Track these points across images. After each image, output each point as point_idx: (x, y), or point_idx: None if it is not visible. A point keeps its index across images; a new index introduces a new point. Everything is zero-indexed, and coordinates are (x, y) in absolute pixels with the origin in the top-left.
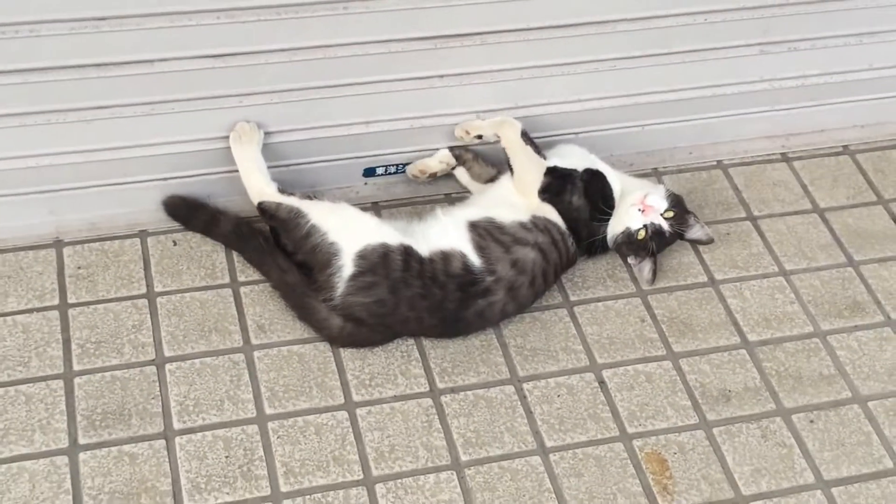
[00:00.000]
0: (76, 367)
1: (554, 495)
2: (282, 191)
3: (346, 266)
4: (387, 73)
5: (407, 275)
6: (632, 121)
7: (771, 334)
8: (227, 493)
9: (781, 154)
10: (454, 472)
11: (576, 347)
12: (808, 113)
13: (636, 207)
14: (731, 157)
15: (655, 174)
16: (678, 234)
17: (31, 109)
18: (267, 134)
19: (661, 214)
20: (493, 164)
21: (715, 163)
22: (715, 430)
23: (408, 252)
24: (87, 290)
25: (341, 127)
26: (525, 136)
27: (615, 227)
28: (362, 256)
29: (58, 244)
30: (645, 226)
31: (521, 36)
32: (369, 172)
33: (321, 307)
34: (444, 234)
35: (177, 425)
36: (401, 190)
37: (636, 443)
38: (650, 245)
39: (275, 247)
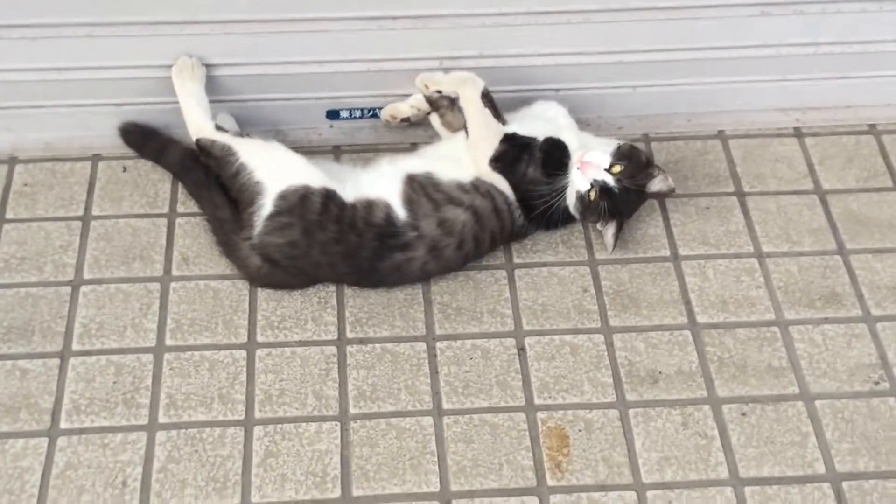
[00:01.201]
0: None
1: (436, 458)
2: (219, 128)
3: (266, 206)
4: (334, 10)
5: (323, 218)
6: (621, 80)
7: (724, 318)
8: (105, 418)
9: (794, 129)
10: (338, 423)
11: (503, 311)
12: (829, 86)
13: (576, 166)
14: (735, 127)
15: (645, 140)
16: (637, 190)
17: None
18: (212, 66)
19: (608, 170)
20: None
21: (715, 133)
22: (631, 412)
23: (329, 196)
24: (26, 207)
25: (293, 64)
26: (486, 97)
27: (572, 194)
28: (282, 197)
29: (11, 161)
30: (591, 185)
31: None
32: (333, 115)
33: (243, 245)
34: (375, 182)
35: (75, 346)
36: (366, 135)
37: (540, 415)
38: (601, 205)
39: (214, 182)
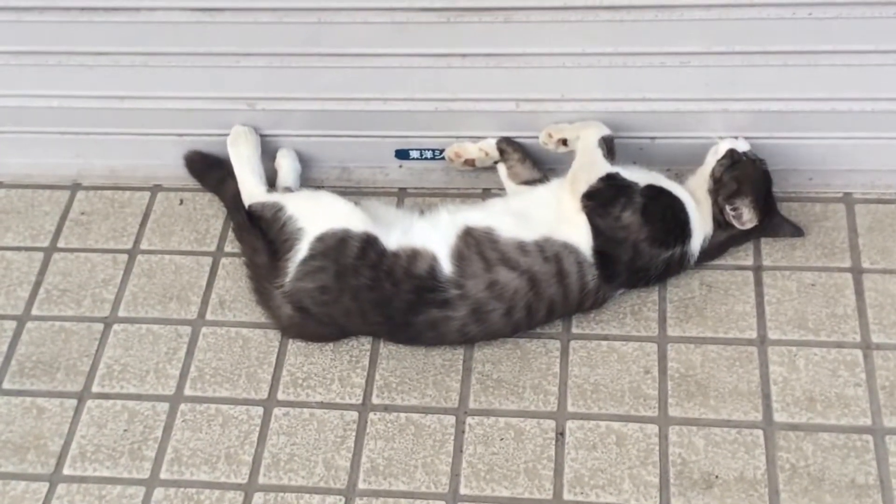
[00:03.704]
0: (34, 312)
1: None
2: (270, 191)
3: (302, 250)
4: (400, 46)
5: (359, 263)
6: (727, 130)
7: (807, 418)
8: (108, 468)
9: None
10: (343, 499)
11: (548, 387)
12: None
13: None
14: (866, 190)
15: None
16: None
17: (50, 49)
18: (275, 99)
19: None
20: (539, 168)
21: (840, 195)
22: None
23: (369, 241)
24: (78, 237)
25: (359, 101)
26: (605, 141)
27: (705, 226)
28: (319, 239)
29: (74, 187)
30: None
31: (554, 16)
32: (402, 154)
33: (276, 294)
34: (426, 231)
35: (95, 388)
36: (436, 178)
37: None
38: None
39: (258, 226)
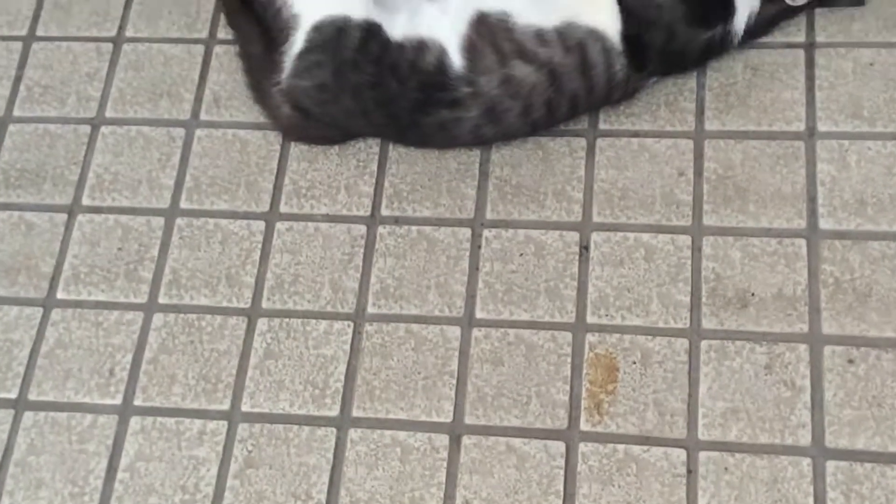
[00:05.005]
0: (16, 113)
1: (454, 381)
2: None
3: (298, 41)
4: None
5: (360, 56)
6: None
7: (856, 225)
8: (103, 291)
9: None
10: (352, 324)
11: (573, 194)
12: None
13: None
14: None
15: None
16: None
17: None
18: None
19: None
20: None
21: None
22: (703, 344)
23: (371, 30)
24: (58, 23)
25: None
26: None
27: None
28: (316, 29)
29: None
30: None
31: None
32: None
33: (274, 91)
34: (435, 18)
35: (85, 200)
36: None
37: (590, 337)
38: None
39: (251, 9)
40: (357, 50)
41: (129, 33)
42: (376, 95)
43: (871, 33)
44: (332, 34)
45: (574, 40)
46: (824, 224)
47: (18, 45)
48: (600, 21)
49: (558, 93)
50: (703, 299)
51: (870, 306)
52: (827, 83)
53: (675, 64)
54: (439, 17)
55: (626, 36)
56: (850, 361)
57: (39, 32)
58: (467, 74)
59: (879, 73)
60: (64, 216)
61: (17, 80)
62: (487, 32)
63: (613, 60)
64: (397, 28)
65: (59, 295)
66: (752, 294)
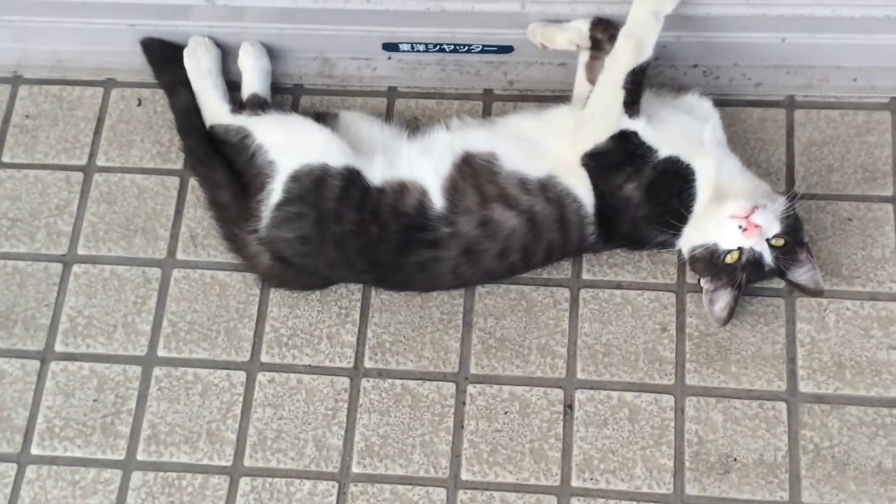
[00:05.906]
0: None
1: None
2: (234, 111)
3: (276, 191)
4: None
5: (341, 206)
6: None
7: (834, 388)
8: (79, 447)
9: None
10: (336, 485)
11: (557, 349)
12: None
13: (737, 222)
14: None
15: (790, 105)
16: (780, 271)
17: None
18: None
19: (768, 240)
20: None
21: (887, 100)
22: None
23: (350, 177)
24: (25, 148)
25: None
26: (638, 74)
27: (694, 236)
28: (294, 179)
29: (15, 80)
30: (741, 249)
31: None
32: (391, 47)
33: (250, 240)
34: (417, 159)
35: (58, 347)
36: (430, 74)
37: (575, 502)
38: (739, 276)
39: (218, 153)
40: (338, 200)
41: (100, 162)
42: (358, 244)
43: (848, 186)
44: (312, 185)
45: (555, 192)
46: (804, 387)
47: None
48: (577, 188)
49: (535, 240)
50: (687, 464)
51: (848, 475)
52: (806, 237)
53: (637, 247)
54: (421, 157)
55: (597, 213)
56: None
57: (5, 159)
58: (448, 214)
59: (857, 228)
60: (36, 363)
61: None
62: (472, 174)
63: (586, 226)
64: (376, 170)
65: (34, 450)
66: (734, 459)
